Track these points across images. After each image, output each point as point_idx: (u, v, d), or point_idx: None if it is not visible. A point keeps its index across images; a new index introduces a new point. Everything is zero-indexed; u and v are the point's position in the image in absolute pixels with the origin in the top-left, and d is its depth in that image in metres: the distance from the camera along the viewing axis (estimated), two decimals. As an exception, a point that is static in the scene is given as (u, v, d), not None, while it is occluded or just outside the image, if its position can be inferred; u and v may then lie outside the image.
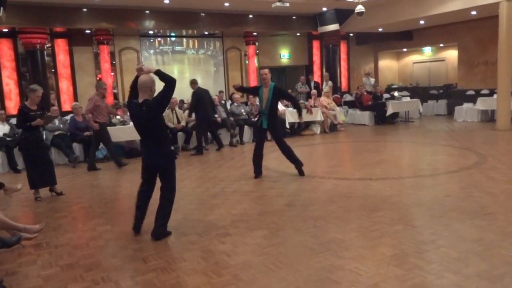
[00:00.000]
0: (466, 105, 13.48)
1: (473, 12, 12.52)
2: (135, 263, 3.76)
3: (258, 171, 6.87)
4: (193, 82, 9.79)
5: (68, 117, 10.00)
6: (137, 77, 4.31)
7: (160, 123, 4.38)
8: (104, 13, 12.18)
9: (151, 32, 14.29)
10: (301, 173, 6.84)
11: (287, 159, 6.89)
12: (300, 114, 7.20)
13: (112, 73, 13.75)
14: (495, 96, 11.81)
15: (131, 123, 9.28)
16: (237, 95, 12.11)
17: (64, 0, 11.16)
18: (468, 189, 5.60)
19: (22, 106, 6.05)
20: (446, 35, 16.05)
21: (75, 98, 13.05)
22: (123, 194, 6.38)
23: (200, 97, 9.58)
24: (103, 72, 13.27)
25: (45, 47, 12.04)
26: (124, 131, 9.28)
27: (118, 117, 9.68)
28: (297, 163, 6.85)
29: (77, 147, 9.23)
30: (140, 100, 4.25)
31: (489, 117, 12.91)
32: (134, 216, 4.52)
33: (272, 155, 8.74)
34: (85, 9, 11.90)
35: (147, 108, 4.18)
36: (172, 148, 4.47)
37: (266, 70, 6.64)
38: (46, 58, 12.11)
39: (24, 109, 5.97)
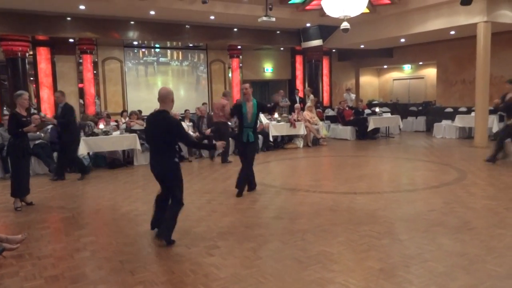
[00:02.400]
0: (445, 122, 13.81)
1: (452, 32, 12.91)
2: (122, 275, 3.70)
3: (244, 189, 6.61)
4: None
5: (49, 126, 9.81)
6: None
7: (171, 135, 4.45)
8: (88, 22, 12.10)
9: (135, 42, 14.25)
10: (250, 188, 6.75)
11: (240, 177, 6.54)
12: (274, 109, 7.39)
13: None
14: (472, 114, 12.14)
15: (114, 133, 9.36)
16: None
17: (48, 8, 11.05)
18: (451, 204, 5.72)
19: (14, 112, 6.07)
20: (425, 53, 16.49)
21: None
22: (107, 205, 6.28)
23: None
24: (86, 82, 13.14)
25: (27, 55, 11.85)
26: (107, 141, 9.18)
27: (101, 126, 9.55)
28: (252, 184, 6.78)
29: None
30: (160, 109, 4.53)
31: (466, 134, 13.24)
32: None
33: (256, 168, 8.74)
34: (69, 18, 11.80)
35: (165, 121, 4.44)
36: (176, 159, 4.52)
37: (247, 85, 6.65)
38: (27, 66, 11.92)
39: (17, 115, 5.99)
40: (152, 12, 11.73)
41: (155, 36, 13.42)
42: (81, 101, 13.57)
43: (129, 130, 9.98)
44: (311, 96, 14.52)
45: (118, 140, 9.35)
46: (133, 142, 9.41)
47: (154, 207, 4.72)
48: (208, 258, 4.03)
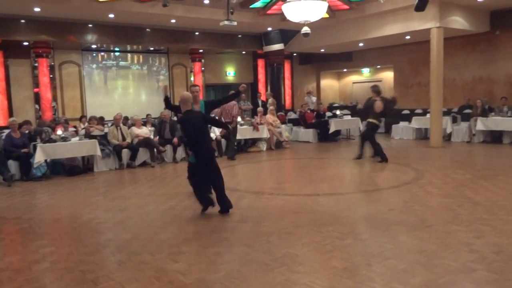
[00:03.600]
0: (402, 124, 14.28)
1: (407, 37, 13.39)
2: (85, 286, 3.60)
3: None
4: None
5: (3, 133, 9.43)
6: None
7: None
8: (43, 25, 11.73)
9: (94, 46, 13.92)
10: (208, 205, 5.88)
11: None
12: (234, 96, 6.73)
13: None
14: (428, 115, 12.62)
15: (73, 139, 9.10)
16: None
17: (0, 10, 10.62)
18: (409, 203, 5.92)
19: None
20: (383, 57, 17.00)
21: (10, 113, 12.36)
22: (67, 214, 6.09)
23: None
24: (42, 86, 12.69)
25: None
26: (65, 148, 8.91)
27: (59, 132, 9.26)
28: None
29: (12, 165, 8.69)
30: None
31: (423, 135, 13.75)
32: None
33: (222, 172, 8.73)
34: (23, 20, 11.39)
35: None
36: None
37: (197, 88, 6.53)
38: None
39: None
40: (111, 15, 11.51)
41: (114, 40, 13.16)
42: (37, 106, 13.10)
43: (88, 136, 9.73)
44: (270, 99, 14.68)
45: (77, 147, 9.09)
46: (93, 148, 9.18)
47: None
48: (173, 264, 3.99)
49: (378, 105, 9.22)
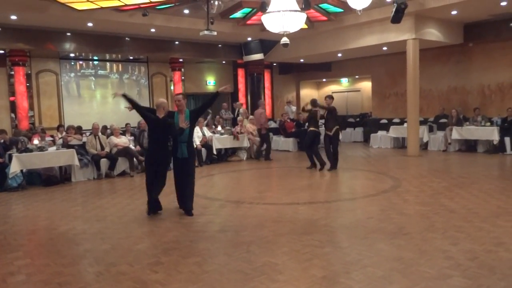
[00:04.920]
0: (380, 133, 14.52)
1: (385, 48, 13.67)
2: (61, 298, 3.54)
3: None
4: None
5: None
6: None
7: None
8: (20, 33, 11.55)
9: (72, 54, 13.77)
10: (189, 213, 6.11)
11: (181, 198, 6.34)
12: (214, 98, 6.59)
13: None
14: (405, 124, 12.87)
15: (50, 149, 8.94)
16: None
17: (-25, 18, 10.44)
18: (387, 211, 6.01)
19: None
20: (361, 67, 17.29)
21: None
22: (43, 225, 5.97)
23: None
24: (18, 95, 12.45)
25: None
26: (42, 158, 8.75)
27: (35, 142, 9.09)
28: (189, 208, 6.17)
29: (-13, 175, 8.49)
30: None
31: (400, 143, 13.99)
32: None
33: (200, 182, 8.72)
34: (-1, 28, 11.20)
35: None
36: None
37: (180, 97, 6.36)
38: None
39: None
40: (90, 24, 11.42)
41: (93, 48, 13.04)
42: (13, 115, 12.85)
43: (66, 145, 9.59)
44: (242, 109, 14.74)
45: (55, 156, 8.94)
46: (70, 157, 9.04)
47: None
48: (152, 275, 3.95)
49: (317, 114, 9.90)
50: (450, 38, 12.60)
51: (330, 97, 10.00)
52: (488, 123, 11.97)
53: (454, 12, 11.23)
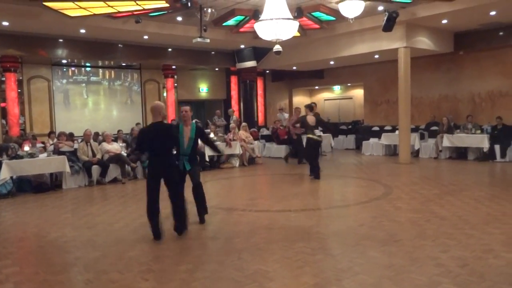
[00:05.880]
0: (372, 140, 14.59)
1: (376, 56, 13.79)
2: (50, 307, 3.51)
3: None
4: None
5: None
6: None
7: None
8: (12, 39, 11.50)
9: (64, 61, 13.72)
10: (180, 230, 5.46)
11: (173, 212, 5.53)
12: (218, 152, 6.97)
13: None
14: (397, 132, 12.95)
15: (41, 155, 8.88)
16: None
17: (-34, 23, 10.38)
18: (379, 218, 6.04)
19: None
20: (353, 75, 17.41)
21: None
22: (32, 232, 5.92)
23: None
24: (9, 101, 12.38)
25: None
26: (32, 164, 8.68)
27: (26, 148, 9.03)
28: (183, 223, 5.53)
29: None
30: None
31: (392, 151, 14.07)
32: None
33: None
34: (-10, 34, 11.15)
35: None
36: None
37: (187, 108, 6.00)
38: None
39: None
40: (83, 30, 11.41)
41: (85, 55, 13.03)
42: (4, 121, 12.76)
43: (57, 152, 9.53)
44: (234, 116, 14.77)
45: (45, 163, 8.88)
46: (61, 164, 8.98)
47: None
48: (143, 283, 3.93)
49: (311, 119, 9.61)
50: (441, 46, 12.75)
51: (308, 107, 9.91)
52: (479, 131, 12.10)
53: (444, 21, 11.37)
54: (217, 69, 17.09)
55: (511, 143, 11.75)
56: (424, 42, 12.21)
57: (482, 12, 10.42)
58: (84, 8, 9.43)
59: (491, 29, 12.22)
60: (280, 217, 6.24)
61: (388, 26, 10.11)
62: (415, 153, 13.18)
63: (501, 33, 12.26)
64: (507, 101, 13.07)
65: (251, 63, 15.52)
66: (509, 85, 12.98)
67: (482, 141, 11.75)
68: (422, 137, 13.41)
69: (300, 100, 20.73)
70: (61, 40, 12.23)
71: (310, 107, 9.89)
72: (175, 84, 16.07)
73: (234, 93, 17.39)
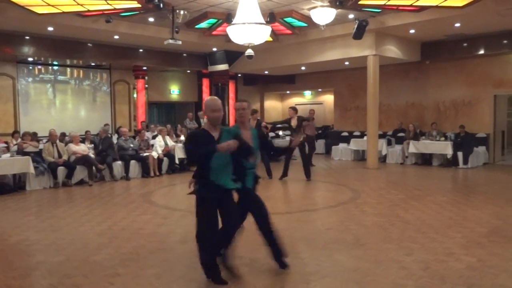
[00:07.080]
0: (342, 145, 14.84)
1: (346, 63, 14.05)
2: (11, 312, 3.40)
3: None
4: None
5: None
6: None
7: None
8: (-25, 35, 11.09)
9: (30, 59, 13.33)
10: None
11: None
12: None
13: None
14: (365, 137, 13.22)
15: (3, 156, 8.60)
16: (125, 129, 11.82)
17: None
18: (346, 222, 6.14)
19: None
20: (324, 81, 17.66)
21: None
22: (13, 241, 5.72)
23: None
24: (-30, 99, 11.93)
25: None
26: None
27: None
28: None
29: None
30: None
31: (360, 156, 14.34)
32: None
33: (161, 191, 8.62)
34: (-49, 29, 10.72)
35: None
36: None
37: (246, 104, 4.29)
38: None
39: None
40: (51, 28, 11.11)
41: (53, 53, 12.67)
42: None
43: (21, 152, 9.24)
44: (205, 119, 14.72)
45: (8, 164, 8.61)
46: (25, 165, 8.73)
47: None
48: (109, 287, 3.86)
49: (293, 122, 10.32)
50: (408, 55, 13.12)
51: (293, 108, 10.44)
52: (443, 138, 12.50)
53: (412, 31, 11.70)
54: (188, 71, 16.99)
55: (473, 150, 12.21)
56: (393, 51, 12.53)
57: (448, 23, 10.79)
58: (52, 6, 9.19)
59: (456, 40, 12.67)
60: (248, 220, 6.23)
61: (358, 34, 10.33)
62: (383, 159, 13.48)
63: (465, 44, 12.72)
64: (470, 109, 13.55)
65: (223, 66, 15.51)
66: (472, 94, 13.47)
67: (446, 148, 12.16)
68: (389, 143, 13.74)
69: (272, 104, 20.87)
70: (27, 37, 11.87)
71: (254, 111, 10.22)
72: (146, 85, 15.86)
73: (206, 95, 17.28)
